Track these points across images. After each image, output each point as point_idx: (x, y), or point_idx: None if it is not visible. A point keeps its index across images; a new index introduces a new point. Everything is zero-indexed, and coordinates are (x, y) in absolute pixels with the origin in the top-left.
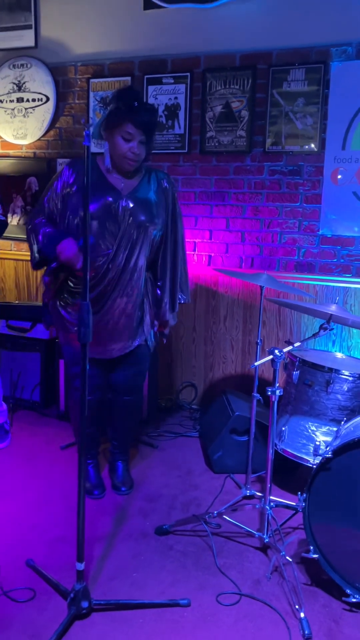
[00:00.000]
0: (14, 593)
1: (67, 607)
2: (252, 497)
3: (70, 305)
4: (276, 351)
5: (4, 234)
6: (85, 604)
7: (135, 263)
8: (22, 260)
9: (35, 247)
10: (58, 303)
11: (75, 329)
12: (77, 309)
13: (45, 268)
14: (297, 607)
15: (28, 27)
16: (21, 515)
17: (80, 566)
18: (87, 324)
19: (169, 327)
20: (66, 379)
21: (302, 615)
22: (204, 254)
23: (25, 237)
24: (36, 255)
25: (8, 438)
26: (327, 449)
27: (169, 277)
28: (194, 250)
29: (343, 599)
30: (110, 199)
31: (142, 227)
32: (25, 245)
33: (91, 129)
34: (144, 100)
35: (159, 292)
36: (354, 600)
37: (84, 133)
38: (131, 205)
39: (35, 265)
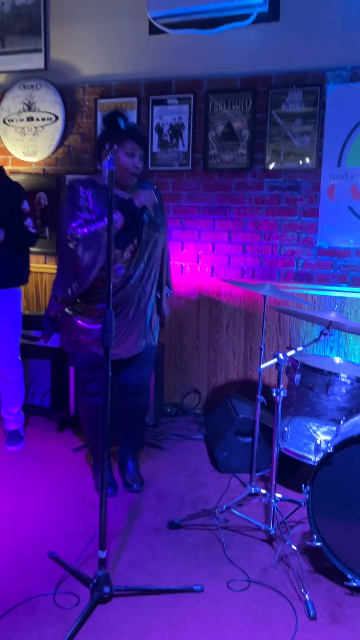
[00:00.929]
0: (39, 581)
1: (90, 592)
2: (256, 494)
3: (87, 312)
4: (280, 355)
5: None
6: (107, 589)
7: (153, 266)
8: (32, 272)
9: (93, 254)
10: (70, 311)
11: (92, 336)
12: (95, 315)
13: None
14: (302, 590)
15: (38, 50)
16: (39, 512)
17: (102, 554)
18: (111, 329)
19: (165, 317)
20: (76, 385)
21: (307, 597)
22: (207, 265)
23: (35, 250)
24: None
25: (22, 442)
26: (329, 444)
27: (164, 276)
28: (198, 262)
29: (345, 583)
30: (145, 215)
31: (158, 231)
32: (34, 258)
33: (113, 156)
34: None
35: None
36: (354, 584)
37: (109, 157)
38: (146, 216)
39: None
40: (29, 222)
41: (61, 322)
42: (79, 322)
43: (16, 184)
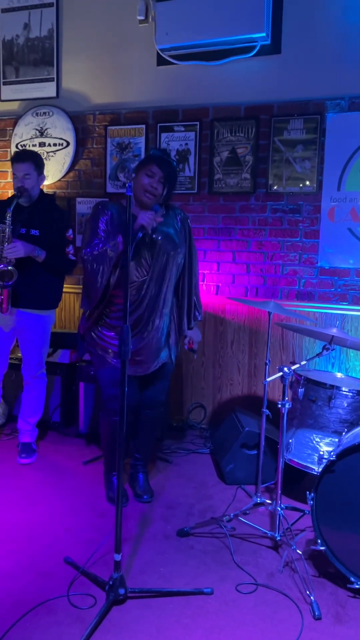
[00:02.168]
0: (56, 584)
1: (106, 594)
2: (262, 504)
3: (112, 330)
4: (285, 369)
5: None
6: (122, 591)
7: (166, 288)
8: None
9: (101, 268)
10: (100, 329)
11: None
12: (115, 332)
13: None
14: (307, 593)
15: (50, 79)
16: (53, 521)
17: (118, 557)
18: (127, 343)
19: (196, 343)
20: (92, 400)
21: (312, 599)
22: (212, 284)
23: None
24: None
25: (35, 455)
26: (332, 453)
27: (186, 296)
28: (203, 281)
29: (348, 586)
30: (141, 233)
31: (169, 255)
32: None
33: (132, 183)
34: (171, 158)
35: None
36: (357, 587)
37: (127, 185)
38: (160, 237)
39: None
40: (70, 249)
41: (89, 342)
42: (106, 339)
43: (63, 211)
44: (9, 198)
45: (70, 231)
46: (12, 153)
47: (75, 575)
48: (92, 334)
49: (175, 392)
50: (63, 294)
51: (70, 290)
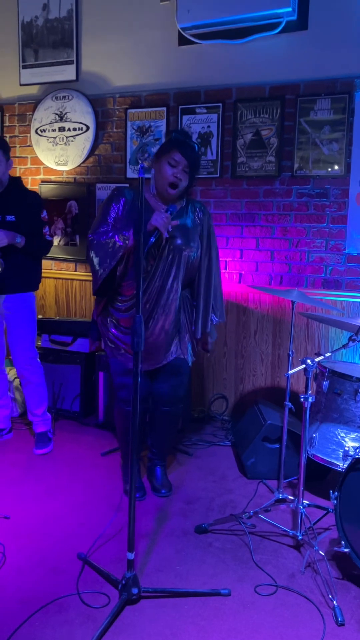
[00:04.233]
0: (68, 581)
1: (119, 593)
2: (284, 500)
3: (119, 321)
4: (308, 361)
5: (47, 254)
6: (135, 590)
7: (172, 284)
8: (62, 278)
9: (103, 260)
10: (109, 320)
11: (123, 344)
12: (124, 324)
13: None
14: (330, 597)
15: (70, 62)
16: (69, 514)
17: (131, 556)
18: (140, 334)
19: (210, 343)
20: (111, 390)
21: (335, 603)
22: (234, 272)
23: (65, 257)
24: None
25: (51, 444)
26: (357, 450)
27: (202, 298)
28: (225, 269)
29: None
30: (154, 238)
31: (178, 250)
32: (64, 265)
33: (146, 163)
34: (193, 142)
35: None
36: None
37: (139, 166)
38: (170, 229)
39: (100, 287)
40: (46, 230)
41: (101, 329)
42: (114, 330)
43: (34, 193)
44: None
45: (45, 212)
46: (31, 138)
47: (88, 572)
48: (106, 322)
49: (196, 383)
50: (83, 282)
51: (90, 278)
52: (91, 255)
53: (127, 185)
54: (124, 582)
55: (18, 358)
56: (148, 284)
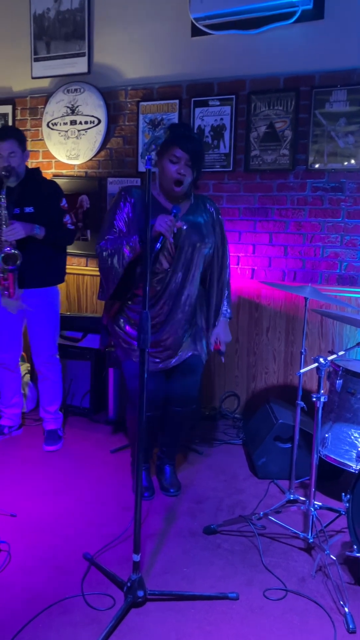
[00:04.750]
0: (74, 581)
1: (124, 595)
2: (295, 501)
3: (133, 324)
4: (321, 359)
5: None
6: (140, 593)
7: (191, 281)
8: (73, 274)
9: (115, 261)
10: (122, 320)
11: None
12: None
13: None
14: (341, 603)
15: (82, 54)
16: (78, 512)
17: (137, 557)
18: (147, 331)
19: (224, 343)
20: (121, 387)
21: (346, 610)
22: (247, 267)
23: (76, 252)
24: (118, 266)
25: (61, 442)
26: None
27: (215, 296)
28: (237, 264)
29: None
30: (159, 244)
31: (195, 247)
32: (75, 260)
33: (153, 154)
34: (195, 132)
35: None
36: None
37: (146, 158)
38: (185, 226)
39: (107, 293)
40: (67, 219)
41: (112, 333)
42: (129, 330)
43: (53, 182)
44: None
45: (64, 200)
46: (42, 132)
47: (94, 572)
48: (115, 326)
49: (207, 380)
50: (94, 278)
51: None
52: (102, 264)
53: (138, 179)
54: (129, 584)
55: (38, 355)
56: (168, 284)
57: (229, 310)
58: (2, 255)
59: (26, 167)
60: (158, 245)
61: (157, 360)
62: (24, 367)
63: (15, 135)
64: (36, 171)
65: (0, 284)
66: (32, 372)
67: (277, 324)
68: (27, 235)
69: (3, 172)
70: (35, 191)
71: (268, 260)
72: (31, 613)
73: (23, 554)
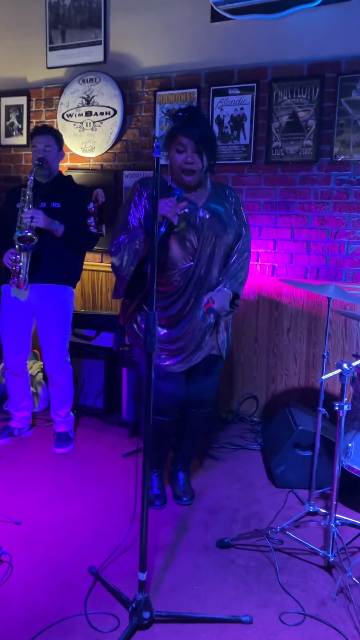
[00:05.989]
0: (77, 597)
1: (129, 616)
2: (315, 513)
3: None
4: (345, 365)
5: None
6: (146, 615)
7: (213, 273)
8: (88, 270)
9: (125, 258)
10: (139, 319)
11: (159, 342)
12: (161, 323)
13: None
14: None
15: (98, 43)
16: (85, 520)
17: (143, 576)
18: (154, 333)
19: (220, 305)
20: (135, 388)
21: None
22: (267, 264)
23: (93, 248)
24: (125, 267)
25: (71, 444)
26: None
27: (236, 264)
28: (257, 261)
29: None
30: (187, 209)
31: (218, 236)
32: (90, 256)
33: (159, 142)
34: (200, 115)
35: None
36: None
37: (154, 145)
38: (207, 215)
39: (121, 290)
40: (91, 220)
41: (129, 332)
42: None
43: (84, 187)
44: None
45: (92, 204)
46: (57, 124)
47: (99, 588)
48: (134, 325)
49: (225, 381)
50: (109, 274)
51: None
52: (116, 263)
53: (150, 176)
54: (134, 605)
55: (48, 358)
56: (191, 278)
57: (238, 291)
58: (20, 234)
59: (60, 171)
60: (162, 228)
61: (179, 358)
62: (37, 366)
63: (52, 132)
64: (69, 177)
65: (11, 268)
66: (44, 371)
67: (299, 323)
68: (46, 228)
69: (36, 161)
70: (64, 190)
71: (290, 256)
72: (31, 633)
73: (26, 565)
